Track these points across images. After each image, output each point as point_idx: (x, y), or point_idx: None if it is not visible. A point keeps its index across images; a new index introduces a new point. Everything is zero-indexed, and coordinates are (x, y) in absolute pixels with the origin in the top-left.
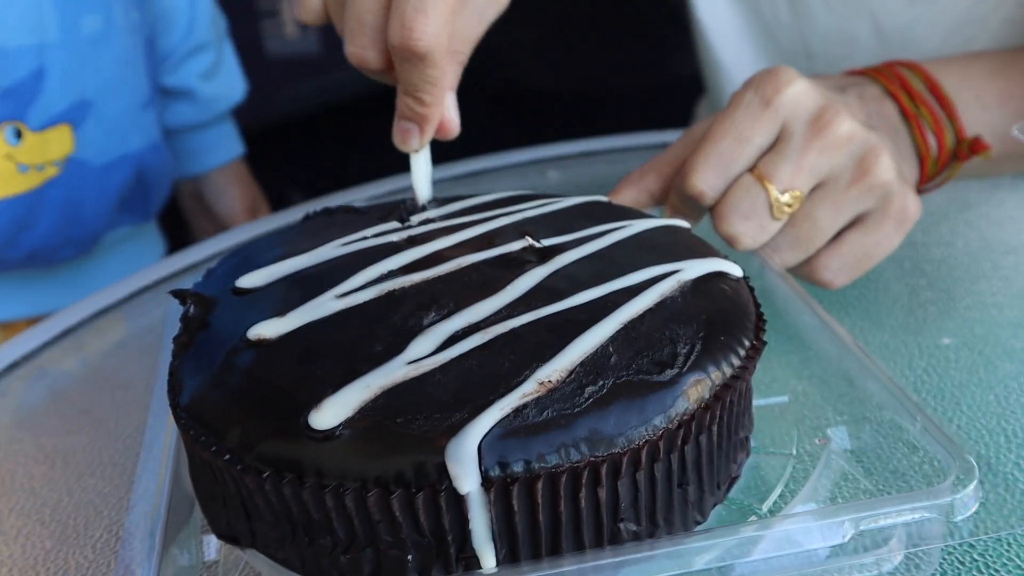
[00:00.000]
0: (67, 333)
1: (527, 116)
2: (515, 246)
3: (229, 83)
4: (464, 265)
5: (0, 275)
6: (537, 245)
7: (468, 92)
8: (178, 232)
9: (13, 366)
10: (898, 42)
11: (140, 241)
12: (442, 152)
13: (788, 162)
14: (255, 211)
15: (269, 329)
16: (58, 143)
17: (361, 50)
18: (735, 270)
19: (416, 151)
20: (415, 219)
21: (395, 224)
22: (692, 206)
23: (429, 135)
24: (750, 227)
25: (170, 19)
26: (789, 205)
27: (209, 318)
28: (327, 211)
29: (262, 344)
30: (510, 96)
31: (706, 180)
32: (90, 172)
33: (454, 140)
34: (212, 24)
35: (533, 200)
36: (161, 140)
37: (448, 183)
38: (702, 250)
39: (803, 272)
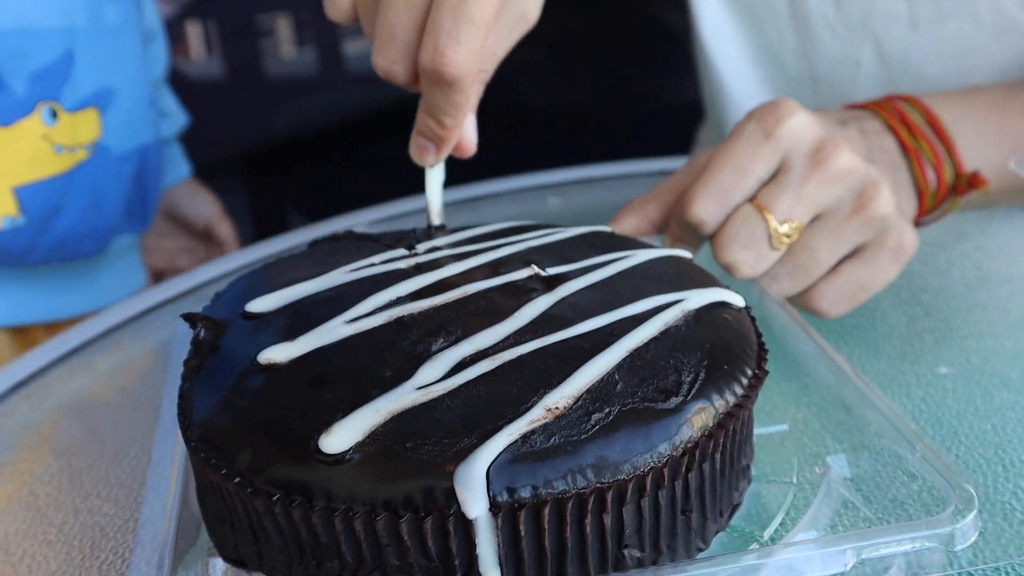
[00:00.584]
0: (73, 353)
1: (527, 138)
2: (521, 274)
3: (174, 101)
4: (471, 293)
5: (13, 274)
6: (543, 274)
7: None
8: None
9: (19, 385)
10: (901, 67)
11: (134, 257)
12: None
13: (788, 193)
14: (224, 216)
15: (279, 353)
16: (88, 126)
17: (390, 63)
18: (737, 300)
19: (431, 167)
20: (422, 247)
21: (403, 251)
22: (692, 234)
23: (445, 154)
24: (749, 256)
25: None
26: (788, 236)
27: (219, 342)
28: (334, 237)
29: (272, 368)
30: (511, 118)
31: (706, 209)
32: (111, 159)
33: (454, 158)
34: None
35: (538, 230)
36: (160, 142)
37: (449, 208)
38: (704, 280)
39: (801, 301)
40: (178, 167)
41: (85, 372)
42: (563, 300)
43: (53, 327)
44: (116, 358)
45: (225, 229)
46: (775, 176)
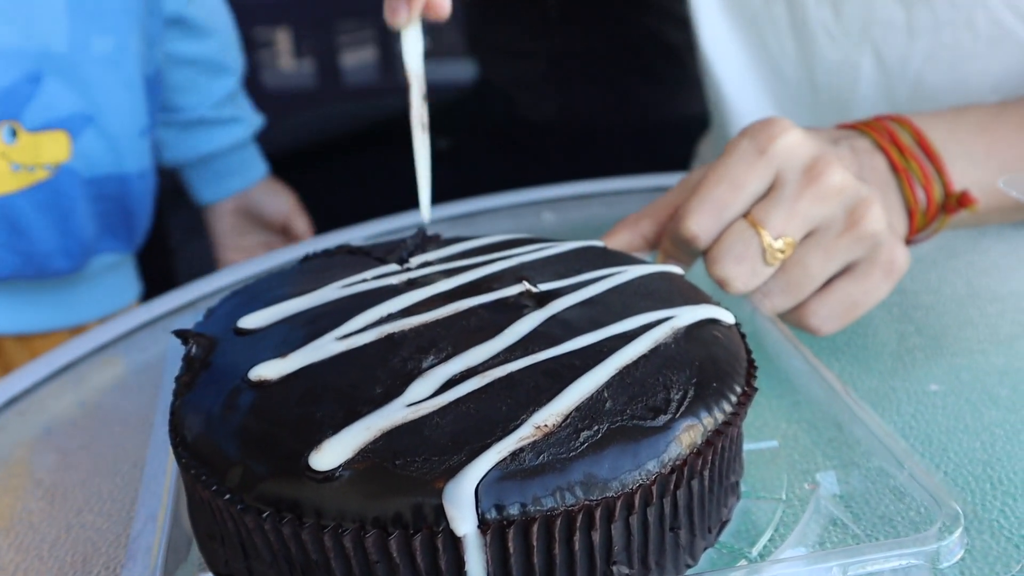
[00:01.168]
0: (65, 369)
1: (525, 151)
2: (512, 291)
3: (248, 106)
4: (462, 309)
5: None
6: (534, 290)
7: (469, 126)
8: (154, 278)
9: (12, 401)
10: (899, 74)
11: (123, 275)
12: (442, 189)
13: (781, 209)
14: (300, 209)
15: (270, 370)
16: (53, 147)
17: None
18: (727, 317)
19: (404, 27)
20: (414, 261)
21: (394, 267)
22: (685, 250)
23: (417, 9)
24: (743, 271)
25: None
26: (781, 251)
27: (211, 358)
28: (326, 252)
29: (263, 385)
30: (509, 131)
31: (700, 224)
32: (79, 182)
33: (454, 171)
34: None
35: (530, 244)
36: (151, 169)
37: (445, 223)
38: (695, 297)
39: (793, 318)
40: (255, 167)
41: (77, 388)
42: (554, 317)
43: (25, 340)
44: (108, 374)
45: (301, 223)
46: (768, 192)
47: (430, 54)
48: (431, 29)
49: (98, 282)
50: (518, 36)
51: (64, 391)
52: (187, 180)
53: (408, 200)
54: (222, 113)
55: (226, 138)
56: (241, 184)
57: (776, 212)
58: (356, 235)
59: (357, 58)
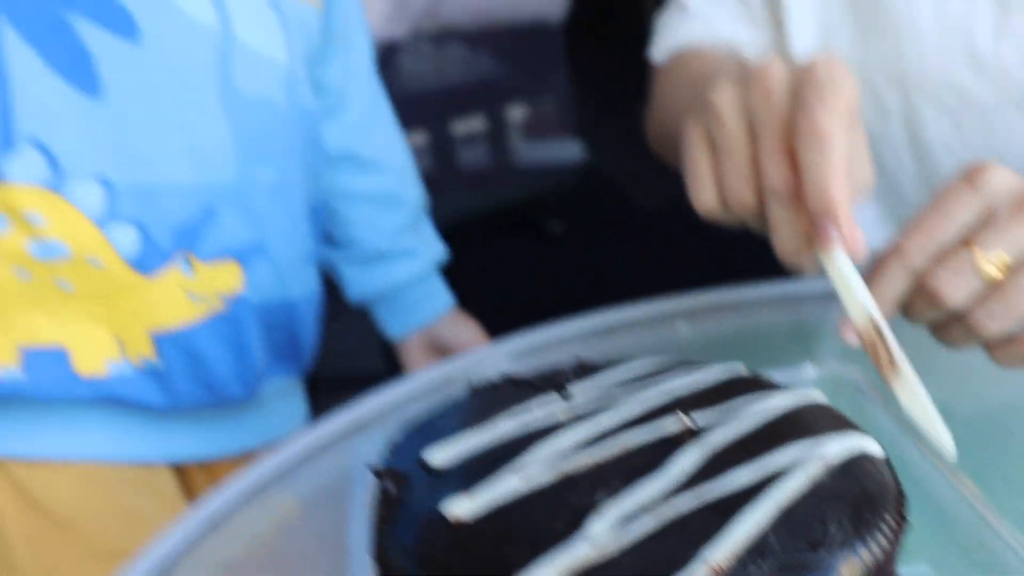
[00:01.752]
0: (248, 498)
1: (638, 235)
2: (671, 425)
3: (430, 235)
4: (627, 445)
5: (174, 415)
6: (692, 427)
7: (581, 210)
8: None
9: (211, 526)
10: None
11: (291, 399)
12: (556, 274)
13: (993, 230)
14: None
15: (461, 508)
16: (225, 277)
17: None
18: (876, 449)
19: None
20: (575, 390)
21: (555, 396)
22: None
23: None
24: (957, 282)
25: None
26: (996, 268)
27: (403, 493)
28: (492, 384)
29: (456, 524)
30: (623, 216)
31: (916, 242)
32: (251, 310)
33: (568, 255)
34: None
35: (679, 368)
36: (316, 294)
37: (585, 341)
38: (844, 427)
39: (1019, 353)
40: (439, 300)
41: (259, 514)
42: (712, 452)
43: (208, 467)
44: (288, 498)
45: None
46: (982, 222)
47: (541, 135)
48: (537, 111)
49: (269, 408)
50: (632, 120)
51: (245, 518)
52: (376, 317)
53: None
54: (400, 245)
55: (406, 270)
56: (425, 318)
57: (987, 232)
58: (499, 351)
59: None
